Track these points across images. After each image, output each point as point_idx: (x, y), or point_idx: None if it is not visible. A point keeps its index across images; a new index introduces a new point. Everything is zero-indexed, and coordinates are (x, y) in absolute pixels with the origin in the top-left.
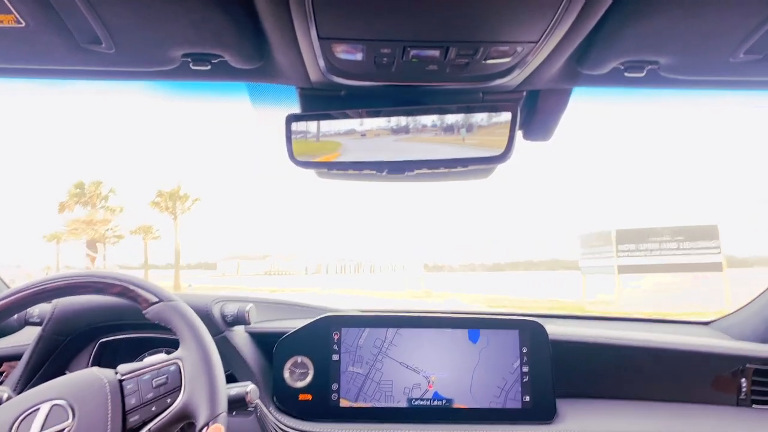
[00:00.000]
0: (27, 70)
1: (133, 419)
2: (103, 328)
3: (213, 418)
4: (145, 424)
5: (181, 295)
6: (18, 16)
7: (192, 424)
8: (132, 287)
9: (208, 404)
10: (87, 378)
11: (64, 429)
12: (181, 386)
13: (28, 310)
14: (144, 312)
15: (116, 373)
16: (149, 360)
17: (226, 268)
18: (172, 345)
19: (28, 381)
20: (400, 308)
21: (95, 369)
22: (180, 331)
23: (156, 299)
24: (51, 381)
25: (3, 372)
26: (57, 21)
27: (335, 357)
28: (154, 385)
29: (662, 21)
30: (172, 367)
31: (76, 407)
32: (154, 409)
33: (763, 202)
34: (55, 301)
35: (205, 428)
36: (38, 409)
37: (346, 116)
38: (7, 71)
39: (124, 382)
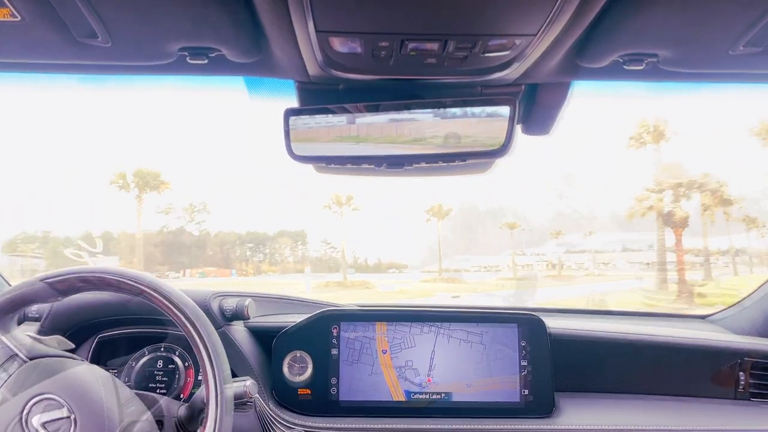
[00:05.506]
0: (22, 64)
1: (130, 410)
2: (102, 323)
3: (217, 397)
4: (143, 413)
5: (180, 289)
6: (13, 9)
7: (193, 407)
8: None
9: (211, 384)
10: (82, 379)
11: (61, 428)
12: (173, 372)
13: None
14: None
15: (107, 367)
16: (139, 352)
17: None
18: (172, 340)
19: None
20: (399, 303)
21: (85, 365)
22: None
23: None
24: (50, 379)
25: None
26: (53, 14)
27: (334, 352)
28: (146, 375)
29: (661, 13)
30: (163, 354)
31: (72, 404)
32: (150, 397)
33: None
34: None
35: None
36: (33, 408)
37: (345, 110)
38: (1, 66)
39: (116, 375)
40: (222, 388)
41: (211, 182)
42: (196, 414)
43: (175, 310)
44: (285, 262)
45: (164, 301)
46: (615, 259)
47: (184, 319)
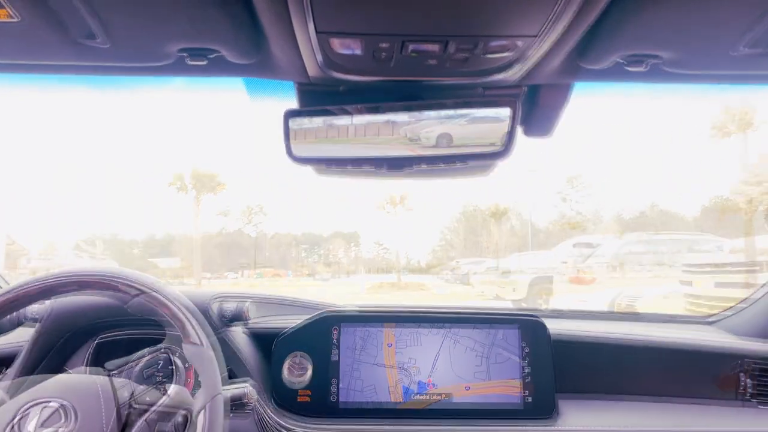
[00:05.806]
0: (21, 65)
1: (127, 412)
2: (101, 325)
3: (210, 400)
4: (140, 415)
5: (182, 292)
6: (11, 10)
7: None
8: (109, 280)
9: (203, 388)
10: (77, 377)
11: (60, 429)
12: (173, 373)
13: (25, 308)
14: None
15: (105, 369)
16: (138, 353)
17: None
18: (172, 341)
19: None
20: (399, 305)
21: (83, 369)
22: (165, 318)
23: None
24: (42, 384)
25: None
26: (51, 15)
27: (334, 354)
28: (145, 376)
29: (663, 15)
30: (163, 356)
31: (69, 407)
32: (148, 399)
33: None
34: (52, 299)
35: (202, 412)
36: (29, 412)
37: (345, 112)
38: (0, 67)
39: (114, 377)
40: (218, 390)
41: (263, 184)
42: (195, 415)
43: (174, 309)
44: (338, 263)
45: (164, 300)
46: (680, 261)
47: (182, 317)
